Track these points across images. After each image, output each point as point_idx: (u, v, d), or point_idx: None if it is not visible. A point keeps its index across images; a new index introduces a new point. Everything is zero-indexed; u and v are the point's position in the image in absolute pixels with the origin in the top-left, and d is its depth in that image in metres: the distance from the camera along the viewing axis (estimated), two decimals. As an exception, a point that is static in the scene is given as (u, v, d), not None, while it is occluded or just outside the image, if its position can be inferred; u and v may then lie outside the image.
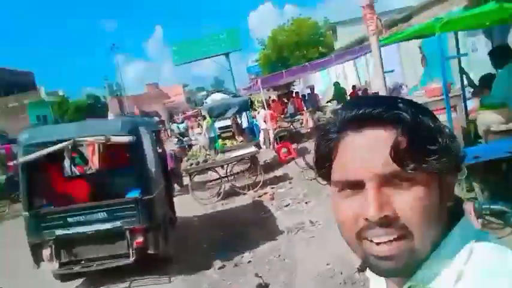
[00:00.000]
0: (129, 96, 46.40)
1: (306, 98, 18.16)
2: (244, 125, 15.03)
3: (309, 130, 14.82)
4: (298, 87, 23.35)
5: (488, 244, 0.69)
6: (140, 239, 5.48)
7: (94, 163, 9.63)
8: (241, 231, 6.90)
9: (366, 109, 0.69)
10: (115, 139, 5.58)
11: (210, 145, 13.18)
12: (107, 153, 7.64)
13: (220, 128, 14.87)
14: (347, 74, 20.97)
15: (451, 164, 0.70)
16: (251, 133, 13.94)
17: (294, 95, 18.63)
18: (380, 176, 0.66)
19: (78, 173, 9.61)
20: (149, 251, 5.51)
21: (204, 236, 7.11)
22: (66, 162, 7.82)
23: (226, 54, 40.25)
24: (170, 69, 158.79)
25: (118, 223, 5.47)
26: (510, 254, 0.67)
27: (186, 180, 10.04)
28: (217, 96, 21.23)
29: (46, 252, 5.51)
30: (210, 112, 12.04)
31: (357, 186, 0.69)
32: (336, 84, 16.85)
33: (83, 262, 5.65)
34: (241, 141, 11.74)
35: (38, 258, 5.54)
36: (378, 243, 0.67)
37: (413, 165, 0.65)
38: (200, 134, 16.48)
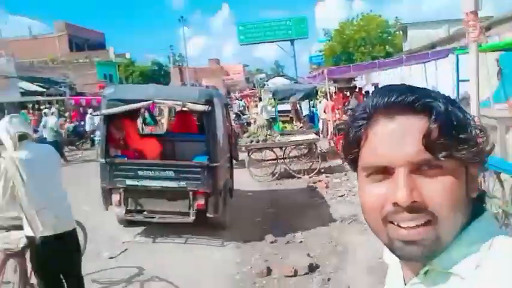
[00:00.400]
0: (190, 68, 47.50)
1: (370, 94, 17.87)
2: (305, 112, 15.06)
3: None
4: (360, 83, 22.89)
5: (509, 238, 0.70)
6: (202, 202, 5.78)
7: (163, 125, 10.16)
8: (295, 212, 7.01)
9: (399, 96, 0.69)
10: (191, 106, 5.87)
11: (268, 125, 13.38)
12: (178, 118, 8.02)
13: (278, 112, 14.99)
14: (413, 77, 20.32)
15: (480, 155, 0.71)
16: (311, 121, 13.98)
17: (357, 89, 18.31)
18: (411, 162, 0.68)
19: (150, 132, 10.11)
20: (208, 214, 5.81)
21: (258, 210, 7.32)
22: (139, 121, 8.30)
23: (292, 41, 40.31)
24: (231, 47, 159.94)
25: (183, 184, 5.78)
26: None
27: (241, 156, 10.30)
28: (278, 80, 21.39)
29: (115, 198, 5.93)
30: (274, 94, 12.20)
31: (386, 171, 0.70)
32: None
33: (145, 213, 6.08)
34: (300, 127, 11.86)
35: (107, 202, 5.99)
36: (404, 228, 0.69)
37: (445, 153, 0.67)
38: (257, 114, 16.71)
